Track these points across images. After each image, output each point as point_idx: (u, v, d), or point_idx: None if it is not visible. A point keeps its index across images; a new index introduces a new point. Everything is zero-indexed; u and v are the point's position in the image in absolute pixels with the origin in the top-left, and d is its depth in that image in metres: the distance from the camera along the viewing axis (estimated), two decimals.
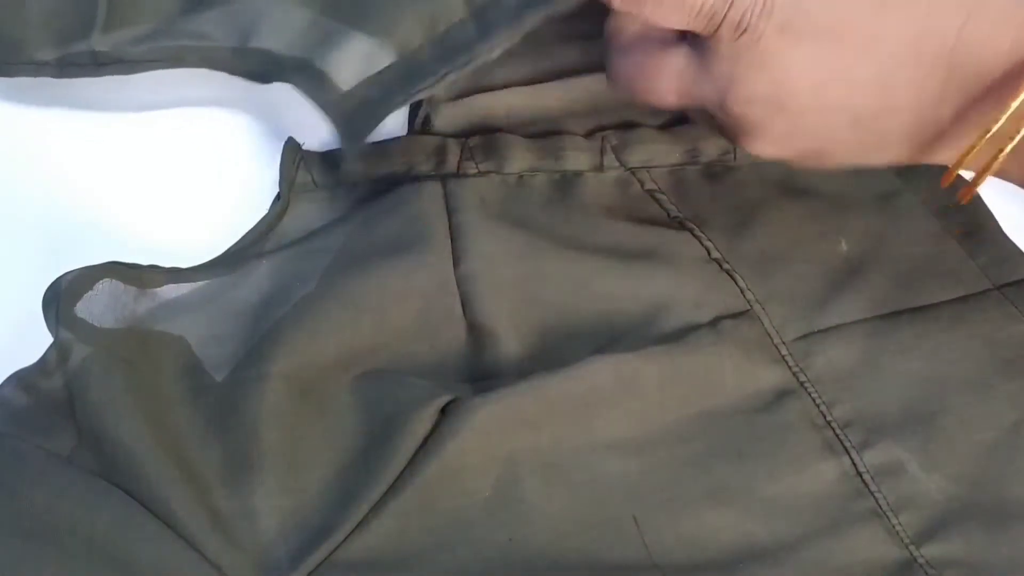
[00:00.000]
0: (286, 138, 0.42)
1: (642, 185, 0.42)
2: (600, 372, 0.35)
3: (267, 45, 0.43)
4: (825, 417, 0.36)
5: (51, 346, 0.34)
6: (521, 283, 0.38)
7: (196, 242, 0.39)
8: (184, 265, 0.38)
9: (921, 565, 0.33)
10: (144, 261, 0.37)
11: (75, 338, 0.34)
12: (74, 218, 0.41)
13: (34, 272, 0.36)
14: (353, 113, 0.39)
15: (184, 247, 0.39)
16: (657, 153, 0.43)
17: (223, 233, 0.40)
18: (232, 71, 0.43)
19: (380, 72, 0.40)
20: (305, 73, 0.41)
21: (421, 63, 0.39)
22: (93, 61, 0.43)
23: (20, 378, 0.34)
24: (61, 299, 0.34)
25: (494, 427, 0.34)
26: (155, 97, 0.44)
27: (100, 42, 0.43)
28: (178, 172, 0.43)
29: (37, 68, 0.43)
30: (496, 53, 0.37)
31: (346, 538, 0.32)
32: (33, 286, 0.36)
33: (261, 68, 0.42)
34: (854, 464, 0.35)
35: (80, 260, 0.36)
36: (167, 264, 0.37)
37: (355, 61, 0.40)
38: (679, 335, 0.37)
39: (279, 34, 0.43)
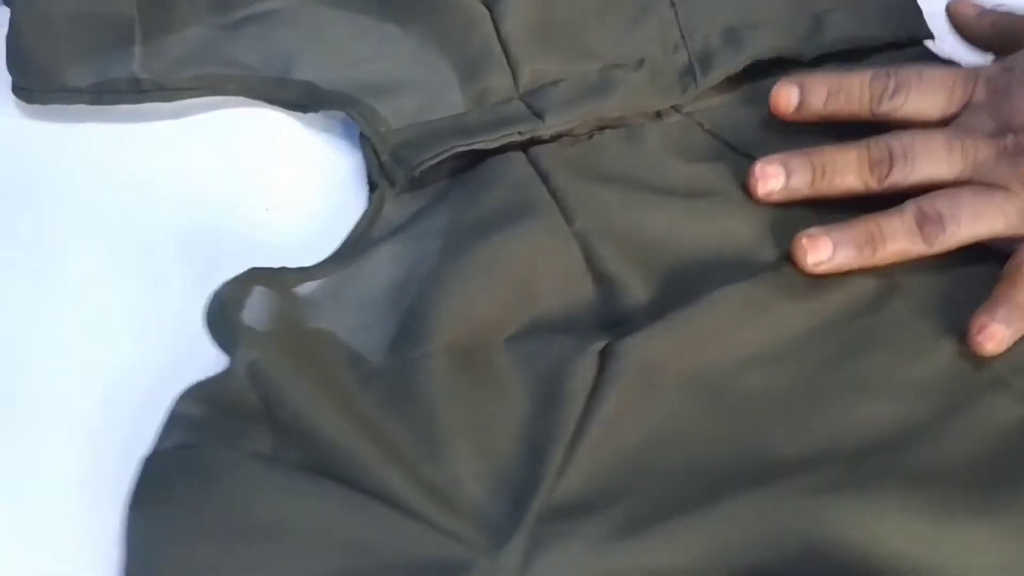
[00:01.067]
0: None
1: (702, 127, 0.45)
2: (726, 300, 0.38)
3: (310, 78, 0.44)
4: (929, 305, 0.39)
5: (233, 358, 0.34)
6: (629, 233, 0.40)
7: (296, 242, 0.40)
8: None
9: None
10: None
11: (252, 344, 0.34)
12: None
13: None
14: (401, 147, 0.42)
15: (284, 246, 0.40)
16: (706, 96, 0.45)
17: (314, 229, 0.41)
18: (273, 101, 0.45)
19: (432, 121, 0.43)
20: (355, 106, 0.43)
21: (470, 123, 0.43)
22: (135, 88, 0.43)
23: (196, 393, 0.34)
24: (228, 311, 0.35)
25: (651, 362, 0.36)
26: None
27: (141, 68, 0.43)
28: (264, 172, 0.44)
29: (72, 95, 0.43)
30: (551, 132, 0.42)
31: (551, 488, 0.33)
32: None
33: (304, 99, 0.44)
34: None
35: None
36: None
37: (405, 108, 0.43)
38: (781, 259, 0.40)
39: (320, 72, 0.44)
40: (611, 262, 0.39)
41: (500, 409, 0.35)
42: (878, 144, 0.40)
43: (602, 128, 0.44)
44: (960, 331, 0.38)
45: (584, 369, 0.35)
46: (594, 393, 0.35)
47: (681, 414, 0.36)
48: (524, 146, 0.42)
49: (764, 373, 0.37)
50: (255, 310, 0.35)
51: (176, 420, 0.33)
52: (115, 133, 0.44)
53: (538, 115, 0.43)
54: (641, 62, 0.45)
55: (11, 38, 0.43)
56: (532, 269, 0.38)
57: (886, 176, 0.40)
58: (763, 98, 0.45)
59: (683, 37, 0.46)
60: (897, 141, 0.40)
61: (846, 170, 0.40)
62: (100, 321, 0.38)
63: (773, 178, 0.41)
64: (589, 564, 0.31)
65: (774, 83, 0.44)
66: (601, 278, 0.39)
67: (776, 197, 0.41)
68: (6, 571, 0.33)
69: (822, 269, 0.39)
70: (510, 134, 0.42)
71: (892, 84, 0.41)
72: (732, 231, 0.41)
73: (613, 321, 0.38)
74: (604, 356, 0.36)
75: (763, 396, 0.36)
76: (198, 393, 0.34)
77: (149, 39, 0.44)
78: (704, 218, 0.41)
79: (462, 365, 0.35)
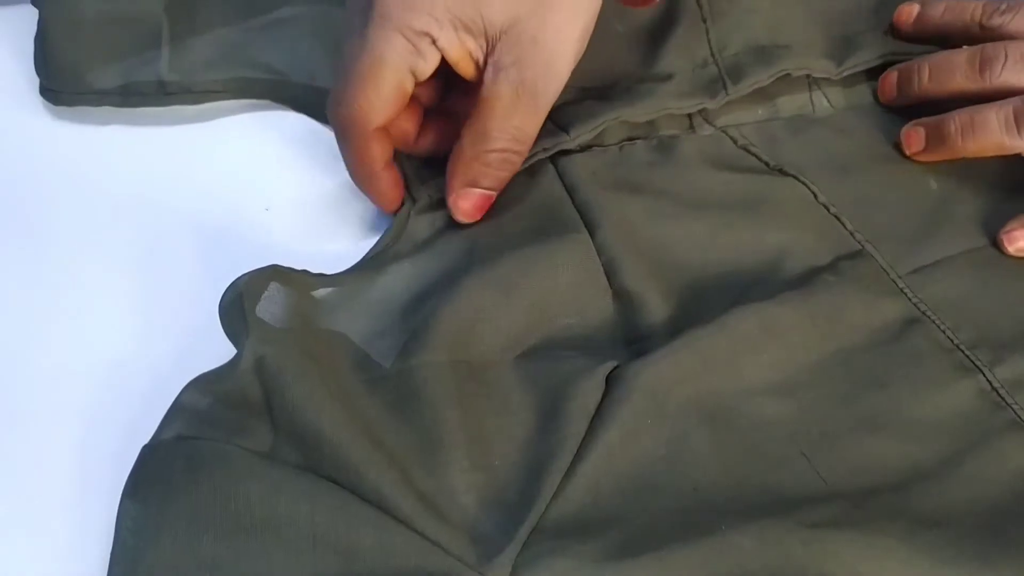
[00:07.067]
0: None
1: (735, 142, 0.44)
2: (743, 321, 0.36)
3: None
4: (953, 341, 0.37)
5: (242, 349, 0.34)
6: (653, 246, 0.39)
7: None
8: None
9: None
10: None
11: (262, 338, 0.34)
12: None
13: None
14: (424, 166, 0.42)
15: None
16: (741, 113, 0.45)
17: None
18: (298, 106, 0.45)
19: None
20: None
21: None
22: (161, 90, 0.43)
23: (201, 384, 0.34)
24: (243, 302, 0.34)
25: (658, 387, 0.35)
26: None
27: (168, 70, 0.43)
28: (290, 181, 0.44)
29: (99, 97, 0.43)
30: (577, 142, 0.42)
31: (546, 507, 0.32)
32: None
33: None
34: (988, 381, 0.37)
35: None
36: None
37: None
38: (805, 279, 0.39)
39: None
40: (632, 278, 0.38)
41: (501, 425, 0.34)
42: (994, 45, 0.42)
43: (632, 139, 0.43)
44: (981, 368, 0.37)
45: (589, 391, 0.34)
46: (598, 416, 0.34)
47: (686, 441, 0.35)
48: (553, 157, 0.42)
49: (774, 403, 0.36)
50: (270, 305, 0.35)
51: (179, 410, 0.33)
52: (129, 134, 0.44)
53: (563, 129, 0.42)
54: (670, 76, 0.45)
55: (39, 40, 0.44)
56: (552, 285, 0.38)
57: (998, 75, 0.42)
58: (794, 115, 0.45)
59: (713, 54, 0.46)
60: (1014, 45, 0.42)
61: (953, 70, 0.43)
62: (107, 314, 0.39)
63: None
64: None
65: (805, 99, 0.44)
66: (621, 294, 0.38)
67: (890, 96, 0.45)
68: (3, 555, 0.33)
69: (922, 158, 0.43)
70: (535, 152, 0.41)
71: (1004, 3, 0.44)
72: (758, 247, 0.40)
73: (631, 339, 0.38)
74: (611, 380, 0.35)
75: (771, 427, 0.35)
76: (204, 384, 0.34)
77: (176, 41, 0.44)
78: (730, 232, 0.40)
79: (467, 379, 0.35)
